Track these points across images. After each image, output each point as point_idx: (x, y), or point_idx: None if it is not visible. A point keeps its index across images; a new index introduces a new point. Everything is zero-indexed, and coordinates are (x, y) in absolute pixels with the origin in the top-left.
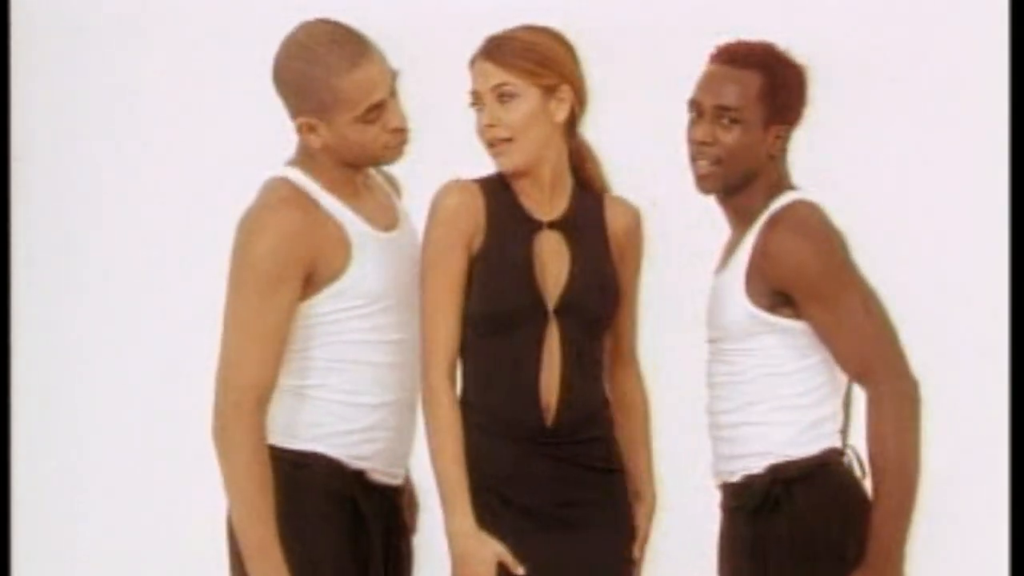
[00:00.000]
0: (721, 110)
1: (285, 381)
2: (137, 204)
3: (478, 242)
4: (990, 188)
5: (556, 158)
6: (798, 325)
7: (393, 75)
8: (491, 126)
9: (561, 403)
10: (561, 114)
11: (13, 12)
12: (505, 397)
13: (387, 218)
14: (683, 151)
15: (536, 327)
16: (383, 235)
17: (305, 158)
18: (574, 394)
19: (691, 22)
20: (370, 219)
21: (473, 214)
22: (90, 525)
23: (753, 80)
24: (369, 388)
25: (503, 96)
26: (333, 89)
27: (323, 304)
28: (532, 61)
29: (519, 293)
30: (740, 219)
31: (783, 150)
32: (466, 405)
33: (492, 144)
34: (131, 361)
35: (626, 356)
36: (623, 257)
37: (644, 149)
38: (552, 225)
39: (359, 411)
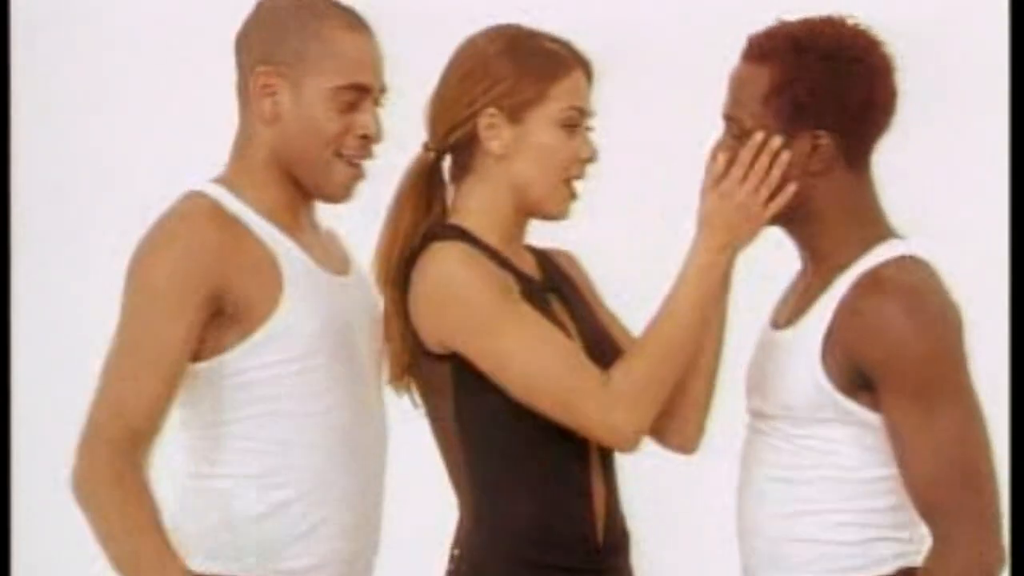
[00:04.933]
0: (732, 121)
1: (197, 468)
2: (141, 203)
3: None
4: (988, 189)
5: None
6: (879, 420)
7: (383, 85)
8: (593, 159)
9: (608, 515)
10: None
11: (13, 12)
12: (559, 515)
13: (336, 261)
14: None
15: None
16: (331, 277)
17: (237, 175)
18: (614, 499)
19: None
20: (315, 256)
21: (490, 263)
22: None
23: (762, 78)
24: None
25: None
26: (321, 39)
27: (246, 357)
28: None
29: None
30: (817, 261)
31: (840, 167)
32: (503, 533)
33: (580, 180)
34: None
35: None
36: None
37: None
38: (546, 288)
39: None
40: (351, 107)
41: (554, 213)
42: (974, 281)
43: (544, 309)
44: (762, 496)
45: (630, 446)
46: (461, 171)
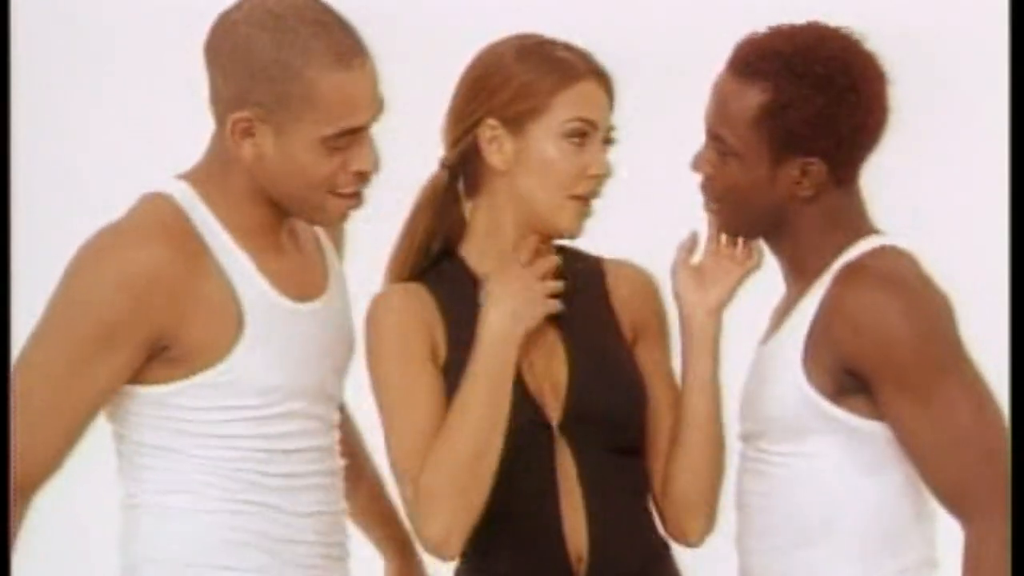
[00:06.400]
0: (715, 138)
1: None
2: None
3: (441, 356)
4: (988, 190)
5: None
6: (873, 426)
7: (381, 103)
8: (604, 175)
9: (595, 552)
10: None
11: (13, 11)
12: (522, 555)
13: (307, 282)
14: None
15: (541, 453)
16: (298, 308)
17: (211, 175)
18: (610, 537)
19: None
20: (280, 283)
21: (425, 320)
22: (91, 522)
23: (751, 98)
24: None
25: (608, 142)
26: (308, 85)
27: (189, 396)
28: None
29: (512, 417)
30: (797, 271)
31: (829, 189)
32: (483, 571)
33: (592, 197)
34: None
35: None
36: (641, 336)
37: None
38: None
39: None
40: (346, 145)
41: (563, 231)
42: (973, 282)
43: None
44: (754, 528)
45: (443, 556)
46: (471, 188)
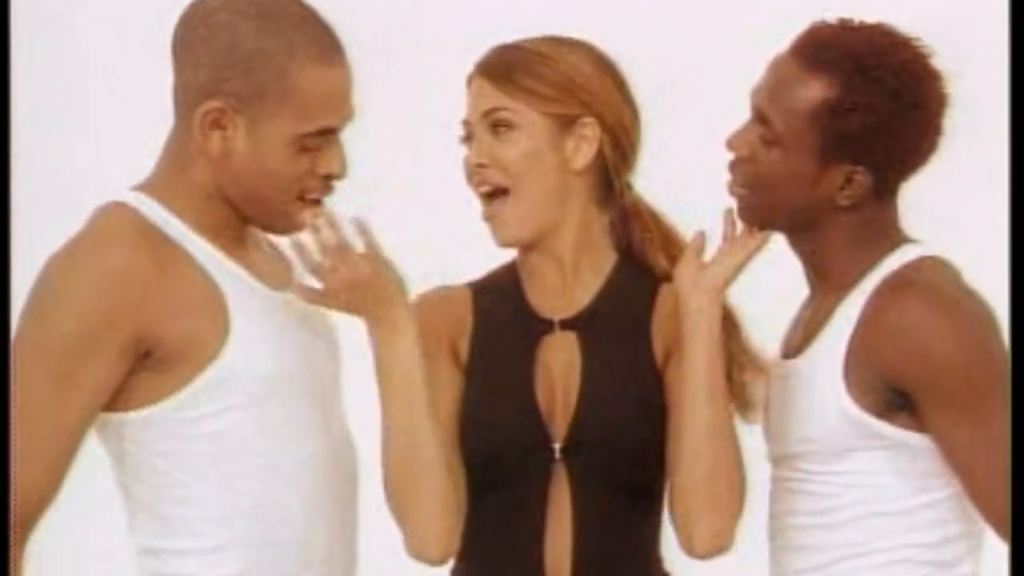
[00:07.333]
0: (762, 121)
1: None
2: None
3: (463, 358)
4: (988, 191)
5: (581, 223)
6: (920, 439)
7: (353, 108)
8: (480, 166)
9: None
10: (580, 159)
11: (13, 11)
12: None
13: (277, 273)
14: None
15: (537, 477)
16: (275, 294)
17: (167, 177)
18: (604, 565)
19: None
20: (262, 274)
21: (452, 316)
22: (89, 520)
23: (814, 90)
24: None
25: (497, 125)
26: (290, 79)
27: (189, 406)
28: (542, 80)
29: (513, 428)
30: (825, 278)
31: (869, 201)
32: None
33: (490, 195)
34: None
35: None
36: (674, 355)
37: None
38: (567, 324)
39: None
40: (318, 147)
41: None
42: (972, 283)
43: (515, 352)
44: (795, 550)
45: (427, 563)
46: None
